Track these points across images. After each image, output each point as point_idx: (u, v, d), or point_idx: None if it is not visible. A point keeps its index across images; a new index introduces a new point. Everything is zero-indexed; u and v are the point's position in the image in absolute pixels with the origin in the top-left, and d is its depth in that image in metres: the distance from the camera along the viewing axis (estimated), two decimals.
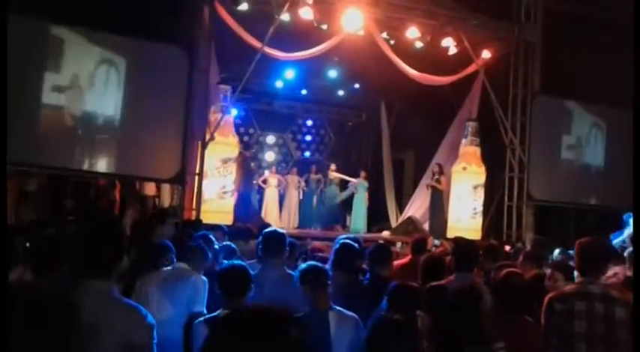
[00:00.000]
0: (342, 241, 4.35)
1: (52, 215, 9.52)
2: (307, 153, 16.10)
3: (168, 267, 4.01)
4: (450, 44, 10.81)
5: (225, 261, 4.06)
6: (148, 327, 2.28)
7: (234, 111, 11.24)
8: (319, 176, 13.84)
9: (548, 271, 4.99)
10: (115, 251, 2.44)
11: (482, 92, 11.60)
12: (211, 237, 4.72)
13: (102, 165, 9.12)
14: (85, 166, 9.03)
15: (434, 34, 10.61)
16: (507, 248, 7.08)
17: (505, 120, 11.26)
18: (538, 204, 11.45)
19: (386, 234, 12.28)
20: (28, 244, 3.75)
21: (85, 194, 10.69)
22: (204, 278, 3.81)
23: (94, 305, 2.17)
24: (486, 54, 11.09)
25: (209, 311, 3.57)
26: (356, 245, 4.40)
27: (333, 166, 13.84)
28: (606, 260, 3.31)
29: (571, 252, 7.20)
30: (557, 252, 7.07)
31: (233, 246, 5.07)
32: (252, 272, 3.34)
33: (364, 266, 4.64)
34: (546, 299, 3.09)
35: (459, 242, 4.45)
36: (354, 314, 3.14)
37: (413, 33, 10.39)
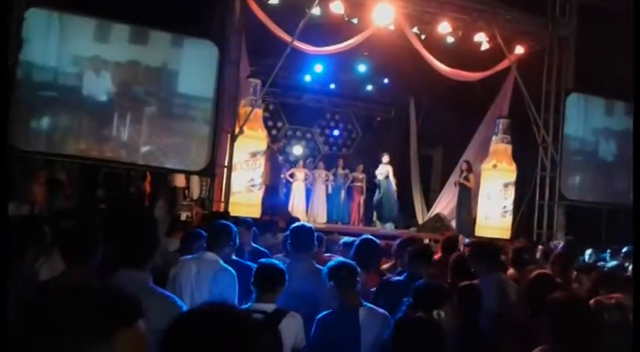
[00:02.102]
0: (362, 237, 4.32)
1: (83, 204, 9.68)
2: (334, 148, 16.07)
3: (196, 255, 4.02)
4: (482, 39, 10.65)
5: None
6: None
7: (263, 105, 11.26)
8: (346, 171, 13.78)
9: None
10: (151, 241, 2.45)
11: (514, 89, 11.40)
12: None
13: (134, 156, 9.25)
14: (117, 157, 9.15)
15: (466, 29, 10.47)
16: (540, 248, 6.97)
17: (537, 118, 11.05)
18: (570, 204, 11.24)
19: (413, 230, 12.20)
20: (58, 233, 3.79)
21: (117, 184, 10.85)
22: (233, 271, 3.82)
23: None
24: (519, 50, 10.90)
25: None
26: (377, 241, 4.36)
27: (386, 157, 13.07)
28: None
29: (603, 254, 7.07)
30: (588, 253, 6.93)
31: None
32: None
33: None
34: (594, 301, 3.04)
35: (478, 243, 4.39)
36: (384, 312, 3.12)
37: (444, 28, 10.27)
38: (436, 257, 4.89)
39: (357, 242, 4.25)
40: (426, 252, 4.09)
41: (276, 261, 3.50)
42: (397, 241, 4.87)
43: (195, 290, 3.79)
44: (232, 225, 4.20)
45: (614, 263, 5.94)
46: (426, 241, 10.64)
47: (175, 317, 1.15)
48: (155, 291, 2.35)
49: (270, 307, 3.08)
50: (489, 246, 4.20)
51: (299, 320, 3.08)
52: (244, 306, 3.09)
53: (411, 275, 3.91)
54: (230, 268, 3.86)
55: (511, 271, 4.96)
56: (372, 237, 4.39)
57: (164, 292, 2.42)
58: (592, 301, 3.05)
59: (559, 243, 7.89)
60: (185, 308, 2.31)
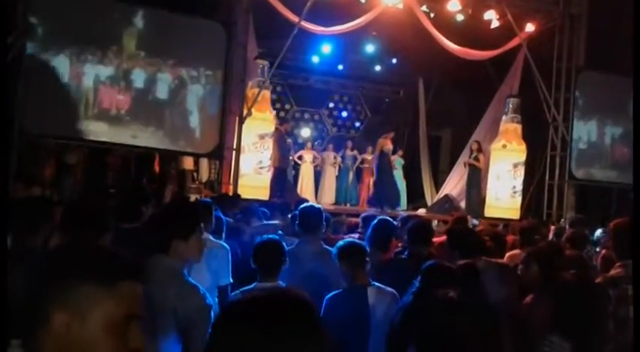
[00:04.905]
0: (379, 218, 4.32)
1: (92, 188, 9.72)
2: (343, 130, 16.01)
3: None
4: (492, 17, 10.51)
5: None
6: (207, 308, 2.29)
7: (270, 87, 11.21)
8: (355, 152, 13.73)
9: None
10: (191, 228, 2.45)
11: (525, 67, 11.27)
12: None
13: (142, 139, 9.25)
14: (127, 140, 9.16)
15: (475, 6, 10.33)
16: (552, 227, 6.93)
17: (548, 97, 10.94)
18: (580, 184, 11.16)
19: (422, 211, 12.19)
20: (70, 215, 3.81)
21: (126, 168, 10.88)
22: (226, 246, 3.80)
23: (161, 280, 2.19)
24: (530, 27, 10.74)
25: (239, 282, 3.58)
26: (394, 222, 4.37)
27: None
28: None
29: None
30: (599, 231, 6.89)
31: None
32: (287, 247, 3.36)
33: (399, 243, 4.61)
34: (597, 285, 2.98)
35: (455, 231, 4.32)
36: (392, 290, 3.12)
37: (454, 5, 10.12)
38: (444, 237, 4.86)
39: (374, 222, 4.24)
40: (425, 229, 4.04)
41: (274, 236, 3.49)
42: (399, 220, 4.87)
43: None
44: (209, 200, 4.21)
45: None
46: (435, 222, 10.64)
47: (231, 304, 1.10)
48: (186, 280, 2.36)
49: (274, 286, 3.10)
50: (463, 234, 4.09)
51: None
52: (249, 287, 3.10)
53: (412, 253, 3.89)
54: (223, 243, 3.84)
55: (516, 251, 4.93)
56: (389, 218, 4.40)
57: (194, 283, 2.40)
58: (599, 278, 3.02)
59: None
60: (209, 298, 2.34)
